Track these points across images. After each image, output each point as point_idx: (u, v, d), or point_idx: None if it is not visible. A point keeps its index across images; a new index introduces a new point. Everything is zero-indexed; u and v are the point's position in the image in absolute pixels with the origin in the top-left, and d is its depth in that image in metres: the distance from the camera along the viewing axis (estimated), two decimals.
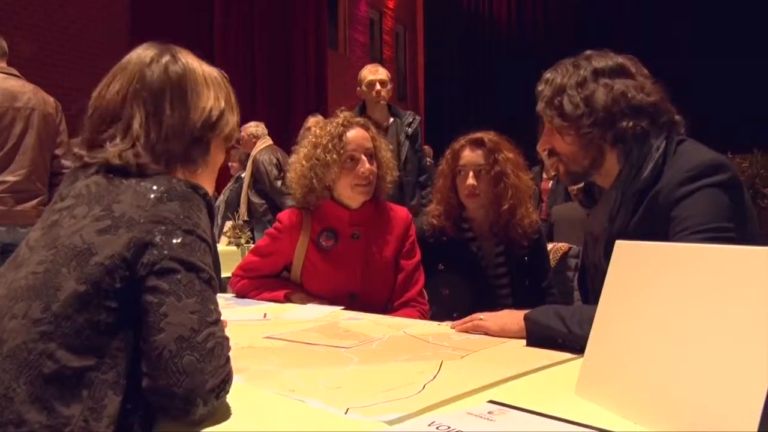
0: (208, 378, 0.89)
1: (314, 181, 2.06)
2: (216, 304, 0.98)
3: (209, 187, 1.17)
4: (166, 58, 1.12)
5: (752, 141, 7.60)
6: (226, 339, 0.96)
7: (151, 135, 1.06)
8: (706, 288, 0.80)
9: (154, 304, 0.91)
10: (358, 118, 2.17)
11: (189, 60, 1.14)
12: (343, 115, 2.13)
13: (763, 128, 8.07)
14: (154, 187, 1.00)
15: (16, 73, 3.11)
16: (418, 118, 4.13)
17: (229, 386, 0.94)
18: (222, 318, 1.19)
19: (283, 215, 2.18)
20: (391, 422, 0.88)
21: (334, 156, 2.03)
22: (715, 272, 0.79)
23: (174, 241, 0.95)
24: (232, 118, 1.17)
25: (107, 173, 1.04)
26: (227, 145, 1.19)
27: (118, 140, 1.06)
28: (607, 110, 1.45)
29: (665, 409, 0.82)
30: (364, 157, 2.06)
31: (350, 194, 2.08)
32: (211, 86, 1.14)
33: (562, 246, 3.00)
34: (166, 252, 0.94)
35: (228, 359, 0.95)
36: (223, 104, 1.14)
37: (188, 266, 0.95)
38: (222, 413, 0.93)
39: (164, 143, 1.06)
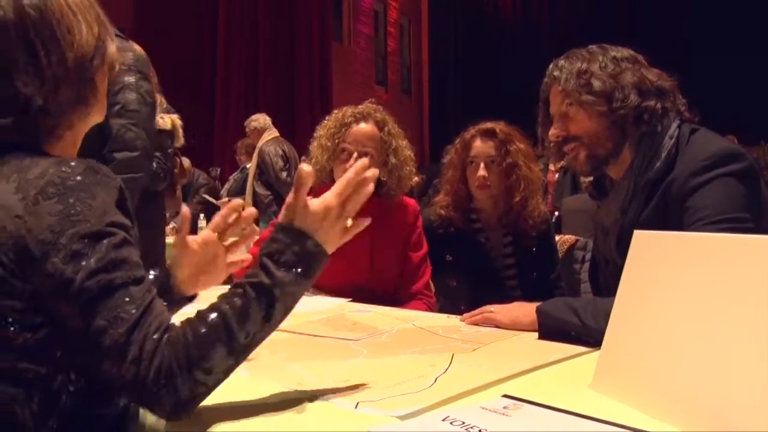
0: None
1: (316, 159, 2.06)
2: (137, 304, 0.81)
3: (100, 118, 1.01)
4: None
5: (760, 133, 7.55)
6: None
7: (41, 92, 0.88)
8: (728, 280, 0.77)
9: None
10: (379, 114, 2.06)
11: None
12: (366, 105, 2.07)
13: None
14: (29, 177, 0.83)
15: None
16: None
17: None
18: None
19: None
20: (403, 417, 0.86)
21: (329, 143, 2.02)
22: (738, 263, 0.76)
23: (66, 265, 0.79)
24: (111, 44, 0.99)
25: None
26: (111, 73, 1.01)
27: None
28: (637, 87, 1.45)
29: (684, 405, 0.79)
30: (355, 155, 1.99)
31: None
32: (77, 12, 0.93)
33: (569, 238, 2.97)
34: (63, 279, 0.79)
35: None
36: (97, 30, 0.95)
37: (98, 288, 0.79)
38: (226, 408, 0.90)
39: (54, 94, 0.90)
